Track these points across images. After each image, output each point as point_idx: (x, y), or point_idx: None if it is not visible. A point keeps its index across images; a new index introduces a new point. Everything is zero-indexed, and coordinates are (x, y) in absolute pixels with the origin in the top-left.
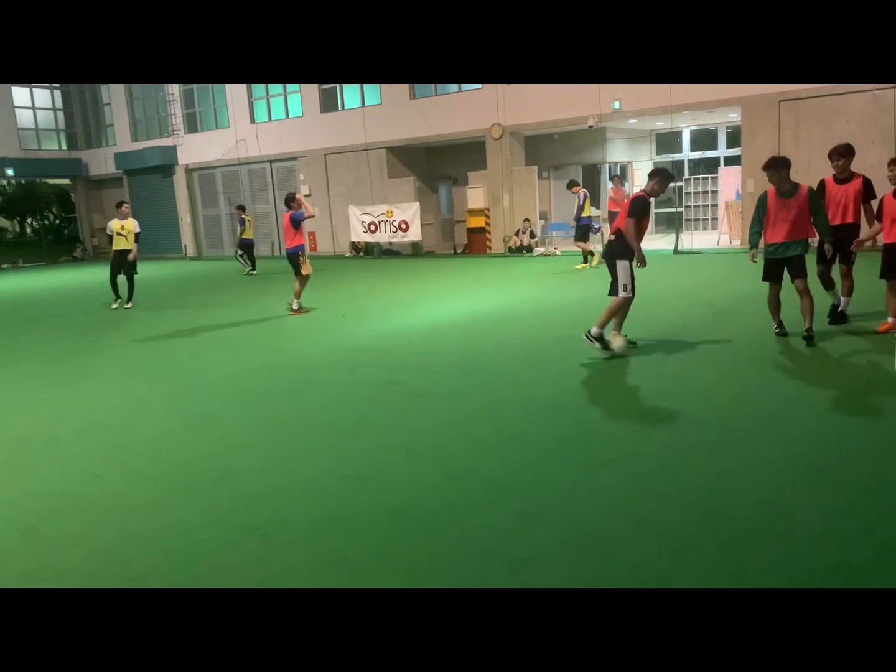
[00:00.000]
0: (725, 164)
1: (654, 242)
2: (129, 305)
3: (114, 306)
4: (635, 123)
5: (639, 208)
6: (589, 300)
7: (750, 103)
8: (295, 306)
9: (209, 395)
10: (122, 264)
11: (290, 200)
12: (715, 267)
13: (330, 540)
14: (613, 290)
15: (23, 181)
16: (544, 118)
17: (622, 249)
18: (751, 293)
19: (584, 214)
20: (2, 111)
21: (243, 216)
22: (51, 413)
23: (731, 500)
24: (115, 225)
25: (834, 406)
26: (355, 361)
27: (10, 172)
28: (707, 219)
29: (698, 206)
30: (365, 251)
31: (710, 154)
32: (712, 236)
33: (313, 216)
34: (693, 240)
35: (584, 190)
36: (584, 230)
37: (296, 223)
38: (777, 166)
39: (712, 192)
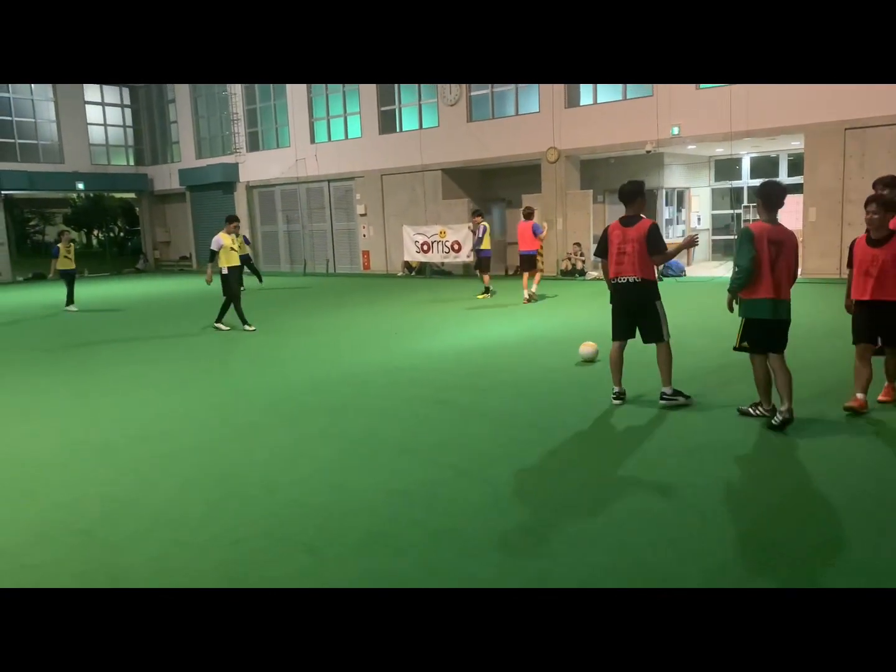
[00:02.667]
0: None
1: (711, 270)
2: (252, 328)
3: (250, 328)
4: (694, 149)
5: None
6: None
7: (813, 131)
8: (527, 295)
9: (260, 407)
10: (239, 281)
11: (531, 215)
12: None
13: (375, 557)
14: (657, 336)
15: (91, 195)
16: (601, 142)
17: (655, 290)
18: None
19: (483, 247)
20: (76, 127)
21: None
22: (109, 418)
23: (788, 534)
24: (227, 240)
25: None
26: (406, 378)
27: (80, 186)
28: None
29: None
30: (417, 271)
31: None
32: None
33: (545, 238)
34: None
35: (484, 223)
36: (485, 262)
37: (535, 232)
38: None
39: None
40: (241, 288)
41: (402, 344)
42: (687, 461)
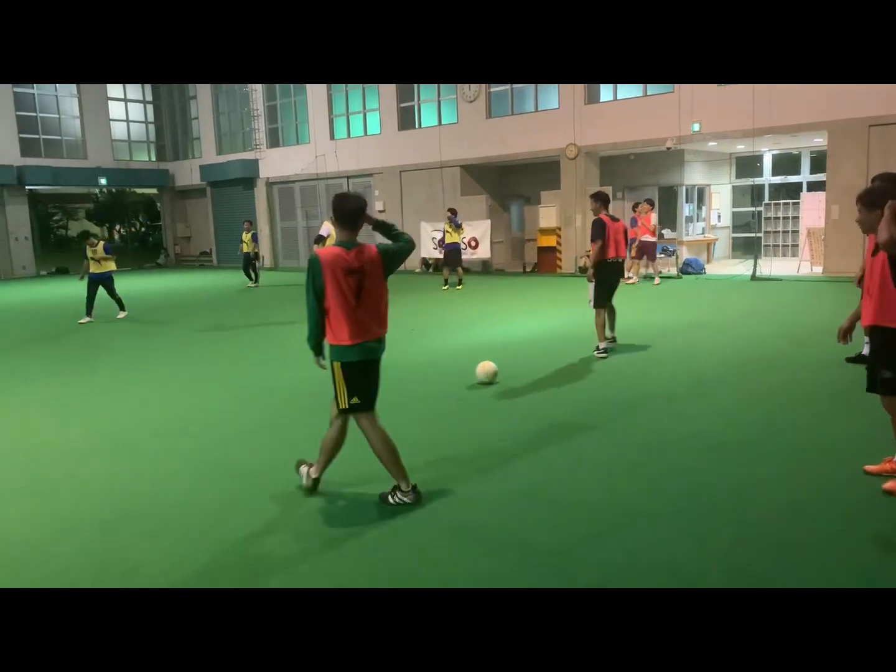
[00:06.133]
0: (808, 190)
1: (731, 268)
2: None
3: None
4: (715, 146)
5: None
6: (654, 321)
7: (837, 127)
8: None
9: (279, 403)
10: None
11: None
12: (794, 294)
13: (395, 552)
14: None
15: (113, 190)
16: (621, 139)
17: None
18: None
19: (450, 241)
20: (98, 124)
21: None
22: (132, 413)
23: (805, 533)
24: (334, 231)
25: None
26: (423, 375)
27: (102, 182)
28: (787, 245)
29: (778, 231)
30: (435, 267)
31: (792, 179)
32: (792, 263)
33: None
34: (772, 266)
35: (456, 219)
36: (455, 255)
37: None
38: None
39: (793, 217)
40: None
41: (419, 341)
42: (708, 458)
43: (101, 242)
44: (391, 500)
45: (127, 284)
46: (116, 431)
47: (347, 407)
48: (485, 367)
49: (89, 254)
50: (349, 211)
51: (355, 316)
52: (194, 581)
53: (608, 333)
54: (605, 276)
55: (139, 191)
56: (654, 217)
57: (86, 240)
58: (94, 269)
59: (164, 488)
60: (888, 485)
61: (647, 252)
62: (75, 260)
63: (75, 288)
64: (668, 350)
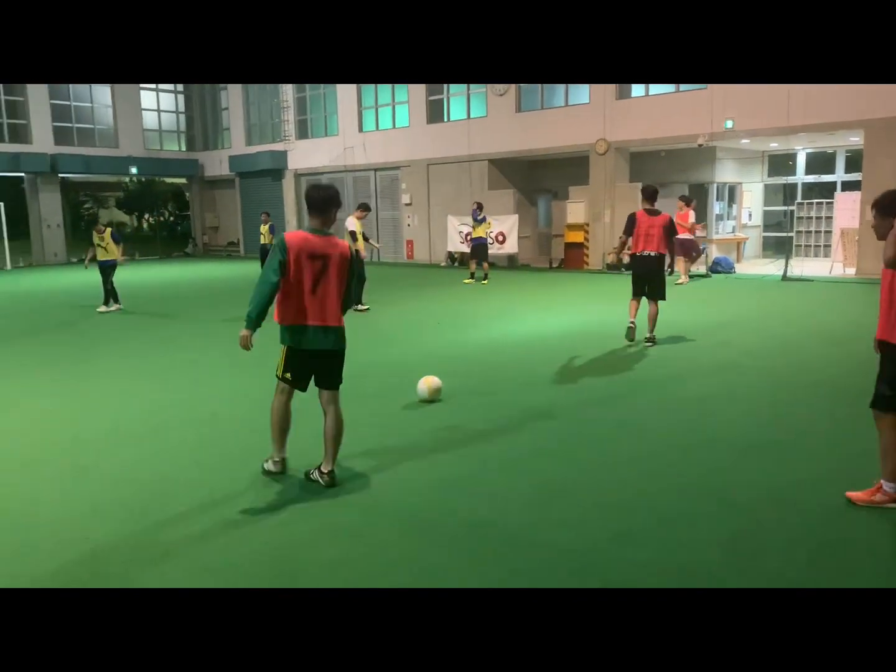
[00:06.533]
0: (843, 189)
1: (761, 267)
2: (363, 307)
3: (361, 308)
4: (748, 143)
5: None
6: (685, 321)
7: (874, 126)
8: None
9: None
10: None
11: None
12: (826, 296)
13: (418, 547)
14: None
15: (143, 179)
16: (652, 135)
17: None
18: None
19: (475, 235)
20: (130, 113)
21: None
22: (158, 399)
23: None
24: (358, 225)
25: None
26: (448, 369)
27: (133, 171)
28: (819, 245)
29: (810, 231)
30: (460, 261)
31: (826, 178)
32: (824, 264)
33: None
34: (804, 266)
35: (477, 214)
36: (480, 249)
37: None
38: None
39: (826, 217)
40: None
41: (445, 335)
42: (740, 458)
43: (109, 229)
44: (268, 465)
45: (155, 273)
46: (148, 418)
47: (280, 377)
48: (428, 382)
49: (96, 240)
50: (319, 199)
51: (307, 300)
52: (229, 568)
53: (646, 334)
54: (633, 269)
55: (168, 180)
56: (691, 214)
57: (93, 226)
58: (101, 256)
59: (196, 473)
60: (853, 494)
61: (682, 250)
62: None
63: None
64: (699, 349)
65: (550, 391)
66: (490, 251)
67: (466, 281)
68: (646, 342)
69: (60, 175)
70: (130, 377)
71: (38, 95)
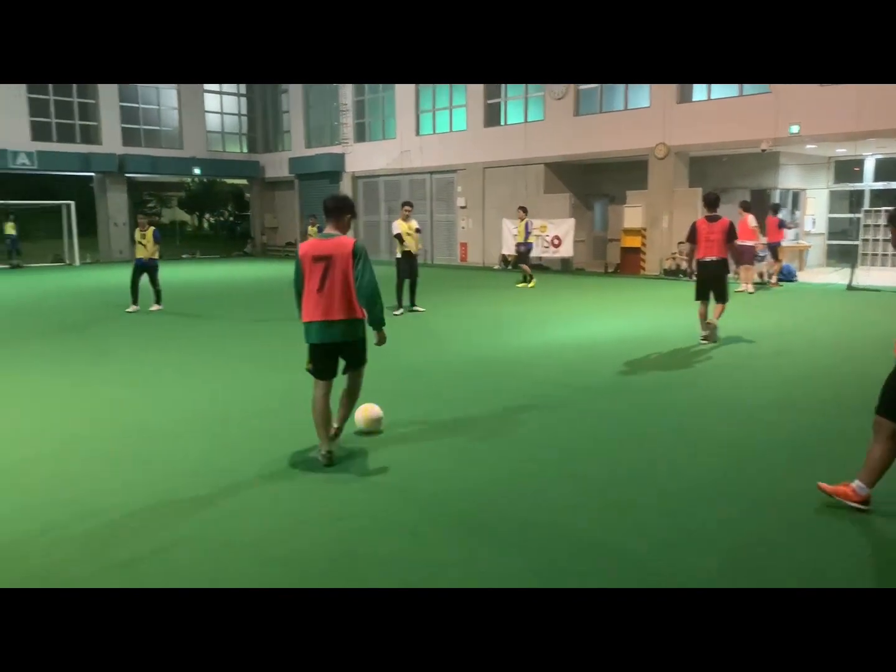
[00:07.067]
0: None
1: (825, 276)
2: (421, 309)
3: (396, 313)
4: (813, 149)
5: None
6: (745, 328)
7: None
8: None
9: (365, 390)
10: (413, 269)
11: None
12: (894, 306)
13: (475, 546)
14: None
15: (204, 179)
16: (713, 139)
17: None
18: None
19: (528, 240)
20: (194, 115)
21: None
22: (214, 394)
23: None
24: (403, 226)
25: None
26: (499, 371)
27: (196, 171)
28: (887, 255)
29: (878, 240)
30: (513, 265)
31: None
32: (892, 274)
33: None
34: (870, 276)
35: (528, 219)
36: (525, 254)
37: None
38: None
39: None
40: None
41: (495, 337)
42: (798, 470)
43: (152, 228)
44: (315, 454)
45: (217, 271)
46: (212, 410)
47: (307, 370)
48: (366, 411)
49: (137, 237)
50: (331, 206)
51: (316, 298)
52: (281, 557)
53: (709, 322)
54: (697, 274)
55: (229, 181)
56: (750, 219)
57: (137, 222)
58: (139, 253)
59: (255, 467)
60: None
61: (745, 258)
62: (166, 247)
63: (165, 272)
64: (757, 357)
65: (601, 396)
66: (546, 255)
67: (518, 285)
68: (703, 333)
69: (127, 175)
70: (195, 371)
71: (108, 98)
